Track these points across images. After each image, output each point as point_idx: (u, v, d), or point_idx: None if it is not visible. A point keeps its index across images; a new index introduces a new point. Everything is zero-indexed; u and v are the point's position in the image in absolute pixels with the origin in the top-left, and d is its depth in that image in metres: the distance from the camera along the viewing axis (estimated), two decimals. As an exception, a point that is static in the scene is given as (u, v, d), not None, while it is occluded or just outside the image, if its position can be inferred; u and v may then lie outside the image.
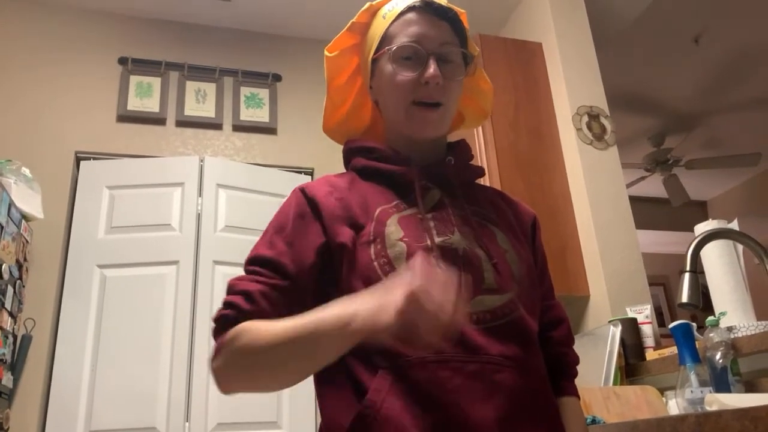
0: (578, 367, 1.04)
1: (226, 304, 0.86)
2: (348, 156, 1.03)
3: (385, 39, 0.97)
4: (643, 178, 4.88)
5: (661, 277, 5.96)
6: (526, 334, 0.87)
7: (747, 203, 5.53)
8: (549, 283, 1.06)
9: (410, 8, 0.96)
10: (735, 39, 3.52)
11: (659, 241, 5.77)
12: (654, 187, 5.19)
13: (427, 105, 0.94)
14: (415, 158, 0.97)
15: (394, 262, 0.84)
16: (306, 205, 0.92)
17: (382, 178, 0.96)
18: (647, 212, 5.49)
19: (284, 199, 0.98)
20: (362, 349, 0.76)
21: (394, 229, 0.87)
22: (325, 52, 1.04)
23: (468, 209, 0.95)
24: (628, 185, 4.64)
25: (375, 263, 0.84)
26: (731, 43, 3.55)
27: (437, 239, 0.87)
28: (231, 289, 0.87)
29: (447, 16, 0.97)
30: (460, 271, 0.85)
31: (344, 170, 1.04)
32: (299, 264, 0.87)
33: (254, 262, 0.89)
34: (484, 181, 2.43)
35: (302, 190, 0.94)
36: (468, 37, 1.01)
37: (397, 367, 0.80)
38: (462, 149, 1.03)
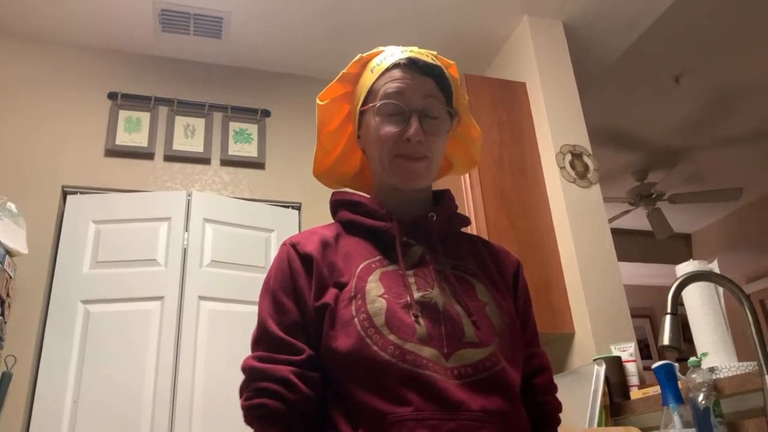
0: (563, 407, 1.03)
1: (266, 392, 0.85)
2: (334, 207, 1.05)
3: (371, 93, 0.99)
4: (627, 212, 4.94)
5: (646, 309, 6.00)
6: (509, 388, 0.87)
7: (730, 236, 5.61)
8: (533, 330, 1.05)
9: (396, 65, 0.98)
10: (715, 78, 3.61)
11: (645, 273, 5.82)
12: (639, 220, 5.25)
13: (413, 157, 0.95)
14: (399, 210, 0.99)
15: (373, 318, 0.85)
16: (299, 262, 0.93)
17: (366, 233, 0.98)
18: (633, 245, 5.55)
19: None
20: (344, 405, 0.76)
21: (374, 286, 0.89)
22: (317, 101, 1.07)
23: (448, 264, 0.96)
24: (612, 219, 4.70)
25: (355, 319, 0.85)
26: (711, 81, 3.64)
27: (416, 295, 0.88)
28: (263, 375, 0.86)
29: (432, 72, 0.98)
30: (440, 325, 0.86)
31: (331, 215, 1.06)
32: (308, 319, 0.90)
33: (273, 339, 0.89)
34: (472, 219, 2.45)
35: (293, 246, 0.95)
36: (455, 91, 1.03)
37: (374, 425, 0.80)
38: (446, 201, 1.04)
